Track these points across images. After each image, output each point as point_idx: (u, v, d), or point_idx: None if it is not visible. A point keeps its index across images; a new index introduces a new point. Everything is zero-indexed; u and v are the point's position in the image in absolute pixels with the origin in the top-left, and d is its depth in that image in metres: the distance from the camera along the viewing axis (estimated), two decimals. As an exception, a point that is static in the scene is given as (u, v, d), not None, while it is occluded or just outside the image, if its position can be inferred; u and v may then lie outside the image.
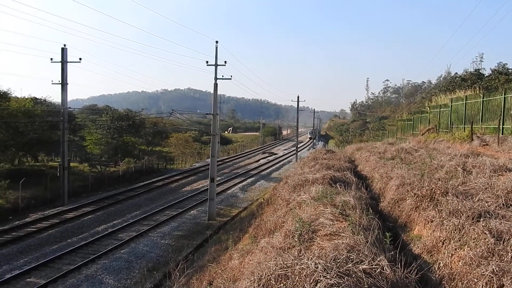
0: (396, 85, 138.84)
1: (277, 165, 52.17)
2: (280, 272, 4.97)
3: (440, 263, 5.86)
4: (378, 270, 4.91)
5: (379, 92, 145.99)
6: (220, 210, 27.04)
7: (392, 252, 6.01)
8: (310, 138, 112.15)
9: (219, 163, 47.18)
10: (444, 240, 6.31)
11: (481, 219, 6.32)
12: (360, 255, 5.32)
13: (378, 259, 5.14)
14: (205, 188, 32.56)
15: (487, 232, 5.74)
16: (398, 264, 5.33)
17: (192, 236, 21.51)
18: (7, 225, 22.26)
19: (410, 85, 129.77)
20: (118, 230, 21.80)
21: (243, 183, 37.29)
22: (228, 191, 33.67)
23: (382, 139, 41.90)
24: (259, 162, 55.72)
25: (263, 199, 23.55)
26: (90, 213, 25.34)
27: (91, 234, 21.36)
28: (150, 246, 19.44)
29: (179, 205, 28.02)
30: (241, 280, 6.16)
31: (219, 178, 36.52)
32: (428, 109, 29.47)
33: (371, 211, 8.34)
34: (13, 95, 37.60)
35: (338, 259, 5.11)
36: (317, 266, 4.82)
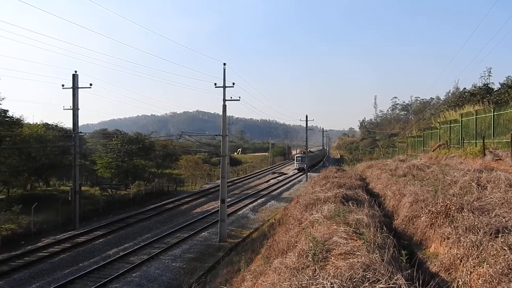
0: (404, 102, 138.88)
1: (287, 185, 51.91)
2: (295, 293, 4.88)
3: (459, 281, 5.71)
4: (396, 289, 4.80)
5: (387, 110, 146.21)
6: (231, 232, 26.83)
7: (409, 271, 5.88)
8: (300, 169, 69.57)
9: (229, 184, 47.09)
10: (462, 258, 6.16)
11: (499, 235, 6.18)
12: (376, 274, 5.22)
13: (395, 277, 5.04)
14: (215, 209, 32.45)
15: (506, 248, 5.60)
16: (416, 283, 5.21)
17: (203, 258, 21.31)
18: (20, 250, 22.28)
19: (418, 101, 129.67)
20: (129, 254, 21.71)
21: (254, 204, 37.09)
22: (239, 212, 33.48)
23: (393, 156, 41.63)
24: (269, 182, 55.51)
25: (275, 219, 23.38)
26: (101, 236, 25.30)
27: (102, 258, 21.28)
28: (162, 269, 19.29)
29: (190, 227, 27.88)
30: (255, 302, 6.06)
31: (229, 199, 36.39)
32: (438, 125, 29.28)
33: (385, 229, 8.22)
34: (26, 121, 38.21)
35: (354, 278, 5.01)
36: (333, 286, 4.73)
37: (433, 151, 26.15)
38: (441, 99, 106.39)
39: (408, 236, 8.99)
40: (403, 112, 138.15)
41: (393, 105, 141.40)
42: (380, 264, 5.63)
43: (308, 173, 56.98)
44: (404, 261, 6.48)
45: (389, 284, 4.86)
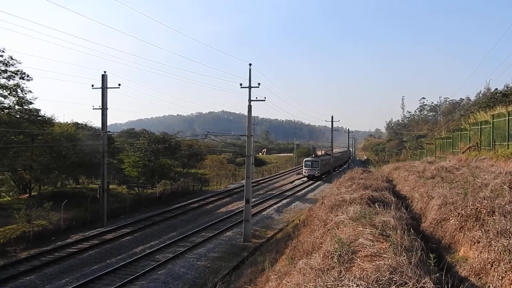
0: (433, 102, 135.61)
1: (312, 186, 51.58)
2: (320, 294, 4.85)
3: (489, 286, 5.57)
4: (424, 292, 4.71)
5: (415, 111, 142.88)
6: (255, 232, 26.89)
7: (437, 274, 5.76)
8: (309, 176, 57.47)
9: (254, 184, 47.21)
10: (493, 262, 5.99)
11: (533, 240, 5.98)
12: (404, 276, 5.14)
13: (423, 281, 4.95)
14: (240, 209, 32.58)
15: (540, 253, 5.42)
16: (444, 287, 5.11)
17: (228, 257, 21.44)
18: (50, 245, 22.99)
19: (447, 102, 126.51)
20: (155, 251, 22.05)
21: (278, 204, 37.04)
22: (263, 213, 33.50)
23: (420, 158, 40.78)
24: (294, 183, 55.29)
25: (299, 220, 23.28)
26: (128, 234, 25.79)
27: (129, 255, 21.69)
28: (187, 267, 19.50)
29: (215, 227, 28.09)
30: (280, 302, 6.06)
31: (254, 199, 36.45)
32: (468, 126, 28.51)
33: (412, 231, 8.06)
34: (57, 121, 39.33)
35: (381, 281, 4.95)
36: (359, 288, 4.68)
37: (463, 153, 25.50)
38: (472, 99, 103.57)
39: (436, 239, 8.80)
40: (431, 113, 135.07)
41: (421, 105, 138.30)
42: (408, 267, 5.53)
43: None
44: (432, 264, 6.35)
45: (416, 287, 4.78)
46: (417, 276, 5.14)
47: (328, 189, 26.92)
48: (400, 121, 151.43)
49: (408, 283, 4.90)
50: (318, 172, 55.92)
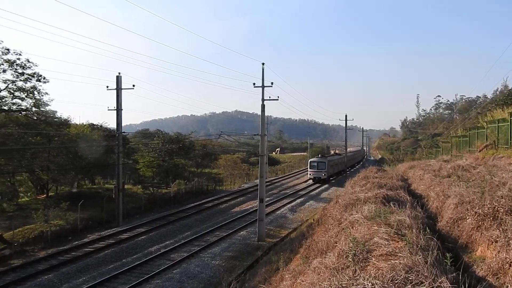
0: (448, 100, 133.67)
1: (326, 185, 51.34)
2: (335, 293, 4.84)
3: (507, 286, 5.49)
4: (440, 292, 4.66)
5: (430, 109, 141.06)
6: (269, 231, 26.89)
7: (454, 274, 5.69)
8: (315, 179, 52.61)
9: (268, 183, 47.18)
10: (511, 262, 5.90)
11: (553, 239, 5.87)
12: (419, 276, 5.09)
13: (439, 280, 4.89)
14: (254, 209, 32.62)
15: (560, 253, 5.32)
16: (461, 287, 5.04)
17: (242, 257, 21.49)
18: (67, 245, 23.35)
19: (464, 100, 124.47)
20: (170, 251, 22.22)
21: (292, 204, 36.98)
22: (277, 212, 33.48)
23: (436, 157, 40.30)
24: (308, 182, 55.07)
25: (313, 219, 23.21)
26: (143, 233, 26.03)
27: (144, 254, 21.90)
28: (201, 266, 19.60)
29: (229, 226, 28.18)
30: (295, 301, 6.06)
31: (267, 198, 36.46)
32: (485, 124, 28.07)
33: (428, 230, 7.97)
34: (73, 122, 39.88)
35: (396, 280, 4.91)
36: (374, 287, 4.65)
37: (480, 151, 25.12)
38: (488, 97, 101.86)
39: (453, 238, 8.69)
40: (447, 111, 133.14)
41: (437, 104, 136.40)
42: (423, 266, 5.48)
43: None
44: (449, 264, 6.28)
45: (433, 287, 4.73)
46: (433, 276, 5.08)
47: (342, 188, 26.80)
48: (415, 119, 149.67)
49: (424, 282, 4.86)
50: (325, 174, 51.41)
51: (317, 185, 51.17)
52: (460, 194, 10.43)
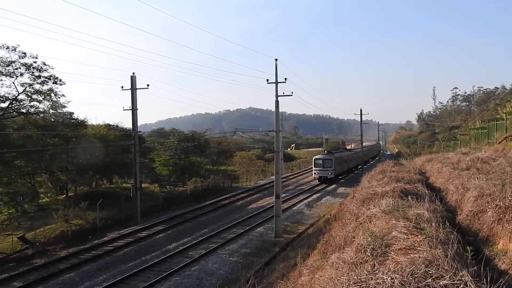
0: (466, 92, 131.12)
1: (342, 181, 51.02)
2: (354, 287, 4.81)
3: (531, 279, 5.38)
4: (461, 286, 4.60)
5: (447, 101, 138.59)
6: (286, 227, 26.87)
7: (475, 267, 5.61)
8: (320, 179, 47.86)
9: (283, 180, 47.05)
10: (534, 254, 5.79)
11: None
12: (440, 270, 5.02)
13: (460, 274, 4.82)
14: (270, 205, 32.62)
15: None
16: (483, 280, 4.96)
17: (259, 253, 21.52)
18: (87, 244, 23.71)
19: (481, 91, 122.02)
20: (188, 248, 22.39)
21: (309, 199, 36.88)
22: (294, 208, 33.44)
23: (454, 150, 39.70)
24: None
25: (330, 214, 23.13)
26: (161, 231, 26.27)
27: (163, 252, 22.11)
28: (219, 263, 19.71)
29: (246, 223, 28.25)
30: (313, 296, 6.04)
31: (284, 195, 36.41)
32: (504, 115, 27.55)
33: (447, 224, 7.88)
34: (89, 123, 40.40)
35: (416, 274, 4.86)
36: (394, 281, 4.62)
37: (499, 143, 24.66)
38: (507, 88, 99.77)
39: (473, 232, 8.57)
40: (464, 103, 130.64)
41: (454, 96, 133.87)
42: (444, 260, 5.41)
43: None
44: (470, 257, 6.18)
45: (454, 281, 4.67)
46: (454, 269, 5.01)
47: (359, 183, 26.59)
48: (432, 112, 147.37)
49: (444, 276, 4.79)
50: (331, 173, 46.66)
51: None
52: (480, 187, 10.27)
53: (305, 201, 36.03)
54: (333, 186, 45.96)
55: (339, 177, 51.23)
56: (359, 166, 62.25)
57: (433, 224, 7.57)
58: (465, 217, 9.50)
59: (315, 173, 48.56)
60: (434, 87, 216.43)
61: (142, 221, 29.24)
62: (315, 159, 49.36)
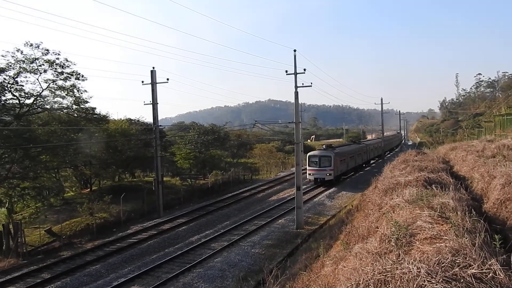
0: (490, 78, 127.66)
1: (362, 172, 50.54)
2: (379, 277, 4.77)
3: None
4: (490, 274, 4.50)
5: (471, 88, 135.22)
6: (308, 219, 26.81)
7: (504, 256, 5.48)
8: (316, 180, 38.97)
9: (304, 171, 46.89)
10: None
11: None
12: (467, 259, 4.93)
13: (489, 262, 4.72)
14: (291, 197, 32.55)
15: None
16: (512, 269, 4.84)
17: (281, 244, 21.55)
18: (112, 236, 24.18)
19: (506, 77, 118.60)
20: (210, 240, 22.58)
21: (330, 191, 36.63)
22: (315, 199, 33.32)
23: (479, 137, 38.85)
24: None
25: (352, 205, 22.97)
26: (184, 224, 26.57)
27: (185, 244, 22.37)
28: (242, 255, 19.81)
29: (267, 215, 28.30)
30: (337, 286, 6.01)
31: (304, 186, 36.20)
32: (531, 101, 26.75)
33: (473, 212, 7.72)
34: (111, 118, 40.97)
35: (443, 263, 4.78)
36: (420, 270, 4.55)
37: (526, 129, 23.99)
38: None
39: (501, 220, 8.38)
40: (488, 90, 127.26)
41: (477, 82, 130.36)
42: (471, 248, 5.30)
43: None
44: (498, 246, 6.04)
45: (482, 269, 4.57)
46: (482, 258, 4.91)
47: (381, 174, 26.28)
48: (455, 99, 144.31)
49: (472, 265, 4.70)
50: (330, 174, 37.98)
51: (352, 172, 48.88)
52: (507, 174, 10.03)
53: (326, 193, 35.83)
54: (356, 175, 45.56)
55: (344, 177, 43.24)
56: (376, 159, 58.46)
57: (458, 213, 7.43)
58: (492, 205, 9.29)
59: (309, 174, 39.42)
60: (457, 73, 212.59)
61: (165, 214, 29.61)
62: (309, 156, 39.71)
